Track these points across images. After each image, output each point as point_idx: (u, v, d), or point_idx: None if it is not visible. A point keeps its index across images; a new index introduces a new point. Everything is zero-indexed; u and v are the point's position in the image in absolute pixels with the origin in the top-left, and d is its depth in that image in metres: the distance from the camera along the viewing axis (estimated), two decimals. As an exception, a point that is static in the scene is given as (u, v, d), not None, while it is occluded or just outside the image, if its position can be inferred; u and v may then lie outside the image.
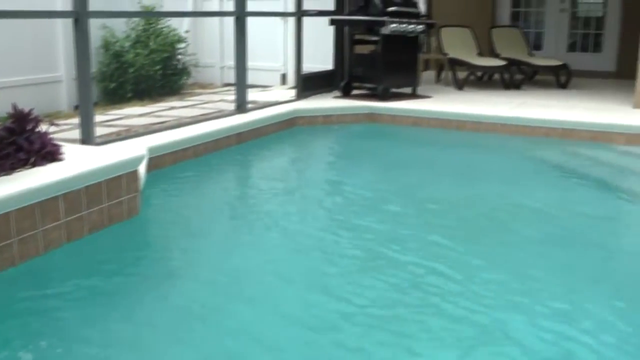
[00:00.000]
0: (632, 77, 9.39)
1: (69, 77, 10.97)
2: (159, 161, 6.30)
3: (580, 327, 3.44)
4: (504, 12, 14.87)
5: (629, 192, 6.40)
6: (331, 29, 10.41)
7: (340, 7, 10.45)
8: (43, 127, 4.75)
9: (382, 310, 3.68)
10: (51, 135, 4.81)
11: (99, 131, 6.85)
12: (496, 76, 12.17)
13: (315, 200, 5.91)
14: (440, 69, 12.37)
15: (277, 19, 13.43)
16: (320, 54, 11.15)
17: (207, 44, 14.46)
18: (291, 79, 12.14)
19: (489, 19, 14.40)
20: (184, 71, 13.33)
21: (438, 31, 11.94)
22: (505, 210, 5.61)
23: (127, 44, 12.57)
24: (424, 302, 3.77)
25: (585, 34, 14.66)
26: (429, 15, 12.79)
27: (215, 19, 14.20)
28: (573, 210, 5.69)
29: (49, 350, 3.17)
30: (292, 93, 9.94)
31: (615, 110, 9.10)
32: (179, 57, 13.24)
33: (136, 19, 12.75)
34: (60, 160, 4.69)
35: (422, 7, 13.29)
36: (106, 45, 12.32)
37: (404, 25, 9.57)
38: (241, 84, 8.37)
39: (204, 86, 13.99)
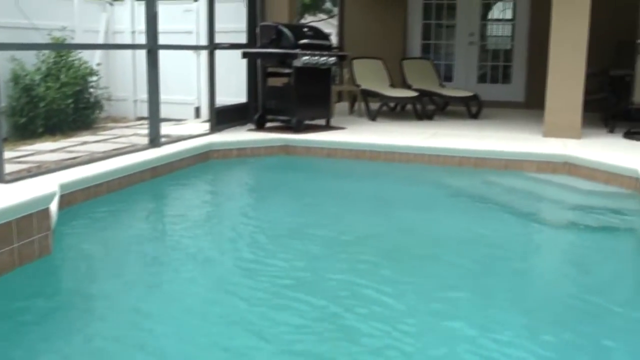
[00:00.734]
0: (541, 107, 9.65)
1: (-24, 112, 10.73)
2: (71, 198, 6.17)
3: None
4: (415, 44, 15.13)
5: (540, 218, 6.62)
6: (244, 62, 10.43)
7: (252, 40, 10.46)
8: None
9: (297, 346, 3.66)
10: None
11: (9, 168, 6.67)
12: (409, 107, 12.34)
13: (228, 235, 5.86)
14: (353, 100, 12.48)
15: (190, 52, 13.41)
16: (234, 87, 11.13)
17: (120, 77, 14.33)
18: (205, 112, 12.10)
19: (400, 51, 14.62)
20: (96, 105, 13.16)
21: (350, 63, 12.06)
22: (421, 239, 5.69)
23: (37, 77, 12.34)
24: (339, 334, 3.77)
25: (495, 66, 15.04)
26: (340, 47, 12.94)
27: (128, 52, 14.09)
28: (487, 236, 5.81)
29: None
30: (206, 126, 9.89)
31: (525, 139, 9.32)
32: (91, 90, 13.07)
33: (47, 52, 12.54)
34: (-35, 199, 4.57)
35: (333, 39, 13.46)
36: (16, 79, 12.08)
37: (316, 58, 9.64)
38: (154, 118, 8.29)
39: (117, 120, 13.83)
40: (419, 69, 13.00)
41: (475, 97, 12.09)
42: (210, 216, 6.80)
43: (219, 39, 9.82)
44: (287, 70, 9.75)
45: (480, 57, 15.02)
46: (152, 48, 8.18)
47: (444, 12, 15.19)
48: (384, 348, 3.58)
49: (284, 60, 9.64)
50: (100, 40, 14.12)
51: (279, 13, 10.67)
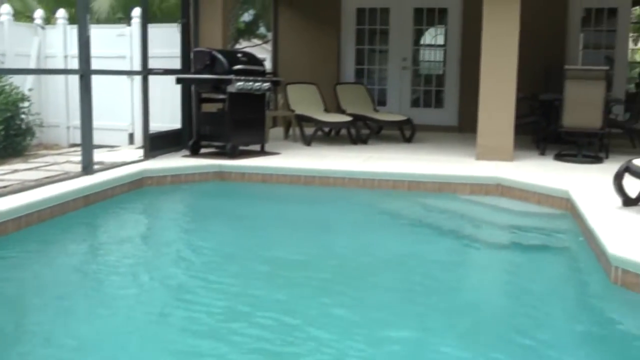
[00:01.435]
0: (474, 130, 9.83)
1: None
2: (1, 228, 6.06)
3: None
4: (349, 69, 15.27)
5: (473, 239, 6.73)
6: (179, 88, 10.40)
7: (186, 66, 10.45)
8: None
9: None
10: None
11: (-64, 198, 6.55)
12: (343, 132, 12.42)
13: (162, 263, 5.82)
14: (288, 125, 12.52)
15: (124, 77, 13.30)
16: (168, 113, 11.08)
17: (52, 102, 14.10)
18: (139, 138, 12.00)
19: (334, 76, 14.74)
20: (27, 131, 12.92)
21: (284, 88, 12.11)
22: (356, 262, 5.74)
23: (-35, 104, 12.11)
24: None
25: (427, 91, 15.26)
26: (275, 72, 12.99)
27: (61, 77, 13.90)
28: (422, 257, 5.90)
29: None
30: (140, 153, 9.81)
31: (459, 162, 9.48)
32: (23, 116, 12.85)
33: (-25, 78, 12.33)
34: None
35: (268, 64, 13.50)
36: (-57, 105, 11.85)
37: (250, 83, 9.66)
38: (87, 145, 8.19)
39: (49, 147, 13.60)
40: (353, 93, 13.11)
41: (408, 121, 12.24)
42: (141, 245, 6.72)
43: (153, 64, 9.78)
44: (221, 96, 9.74)
45: (413, 82, 15.23)
46: (85, 73, 8.10)
47: (377, 37, 15.39)
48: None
49: (218, 85, 9.63)
50: (31, 64, 13.90)
51: (213, 38, 10.68)
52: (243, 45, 25.44)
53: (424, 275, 5.41)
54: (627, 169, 6.51)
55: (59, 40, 14.02)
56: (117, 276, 5.41)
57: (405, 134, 12.33)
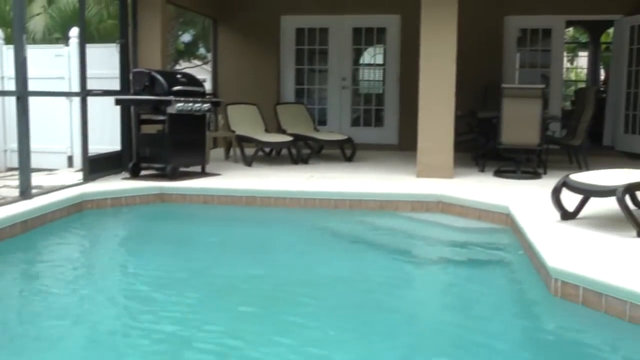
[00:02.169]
0: (414, 148, 9.93)
1: None
2: None
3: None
4: (289, 89, 15.30)
5: (416, 255, 6.87)
6: (118, 109, 10.31)
7: (126, 87, 10.37)
8: None
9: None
10: None
11: None
12: (284, 151, 12.43)
13: (102, 290, 5.70)
14: (228, 146, 12.48)
15: (63, 99, 13.13)
16: (108, 135, 10.97)
17: (-12, 126, 13.89)
18: (78, 161, 11.84)
19: (274, 96, 14.76)
20: (-37, 155, 12.74)
21: (225, 109, 12.10)
22: (299, 281, 5.72)
23: None
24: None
25: (367, 110, 15.36)
26: (215, 93, 12.97)
27: (-4, 100, 13.69)
28: (364, 275, 5.95)
29: None
30: (79, 176, 9.68)
31: (399, 180, 9.56)
32: (-43, 140, 12.65)
33: None
34: None
35: (207, 85, 13.47)
36: None
37: (190, 104, 9.61)
38: (25, 168, 8.05)
39: (-15, 171, 13.39)
40: (293, 113, 13.15)
41: (349, 140, 12.30)
42: (81, 270, 6.60)
43: (92, 85, 9.66)
44: (161, 117, 9.66)
45: (353, 101, 15.32)
46: (22, 95, 7.96)
47: (316, 57, 15.45)
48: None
49: (158, 107, 9.55)
50: (-34, 87, 13.69)
51: (152, 59, 10.63)
52: (183, 66, 25.39)
53: (365, 292, 5.44)
54: (565, 183, 6.63)
55: (-6, 61, 13.79)
56: (50, 304, 5.28)
57: (346, 153, 12.38)
